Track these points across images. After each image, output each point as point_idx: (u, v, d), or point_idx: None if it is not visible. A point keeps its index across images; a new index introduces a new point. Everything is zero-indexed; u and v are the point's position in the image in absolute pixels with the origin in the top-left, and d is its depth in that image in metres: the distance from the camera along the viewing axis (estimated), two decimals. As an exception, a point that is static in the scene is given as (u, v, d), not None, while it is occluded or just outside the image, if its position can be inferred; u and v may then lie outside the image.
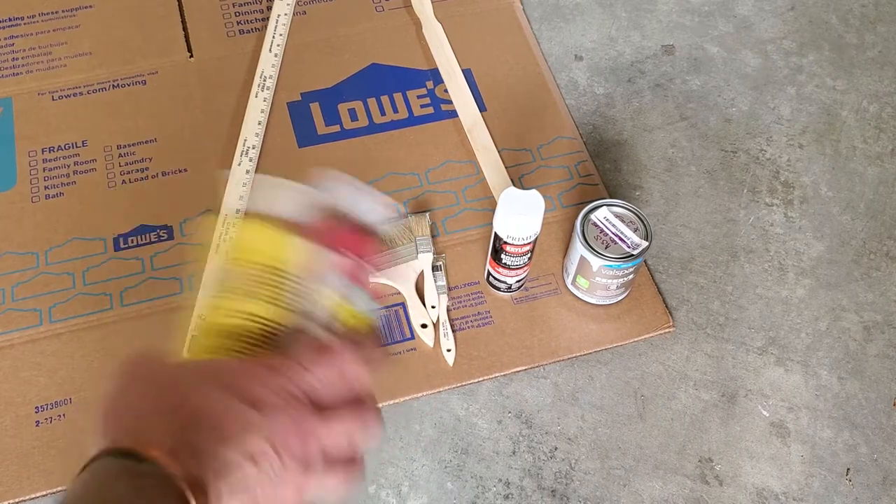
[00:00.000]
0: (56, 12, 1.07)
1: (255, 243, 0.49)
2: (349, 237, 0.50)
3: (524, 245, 0.80)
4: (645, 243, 0.80)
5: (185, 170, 0.94)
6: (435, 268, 0.87)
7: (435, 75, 1.02)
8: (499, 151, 0.96)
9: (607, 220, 0.81)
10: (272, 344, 0.48)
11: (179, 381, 0.43)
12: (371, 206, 0.51)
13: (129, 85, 1.01)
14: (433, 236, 0.89)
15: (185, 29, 1.06)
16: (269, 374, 0.44)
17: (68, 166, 0.94)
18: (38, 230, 0.89)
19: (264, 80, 1.00)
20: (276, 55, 1.02)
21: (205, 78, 1.02)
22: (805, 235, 0.93)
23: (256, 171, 0.93)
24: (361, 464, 0.47)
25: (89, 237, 0.89)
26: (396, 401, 0.81)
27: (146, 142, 0.96)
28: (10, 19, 1.06)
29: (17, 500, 0.74)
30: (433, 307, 0.85)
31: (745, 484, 0.78)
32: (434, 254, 0.88)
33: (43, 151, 0.95)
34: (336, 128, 0.98)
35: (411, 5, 1.08)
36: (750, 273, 0.90)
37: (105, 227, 0.89)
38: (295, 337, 0.48)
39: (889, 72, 1.07)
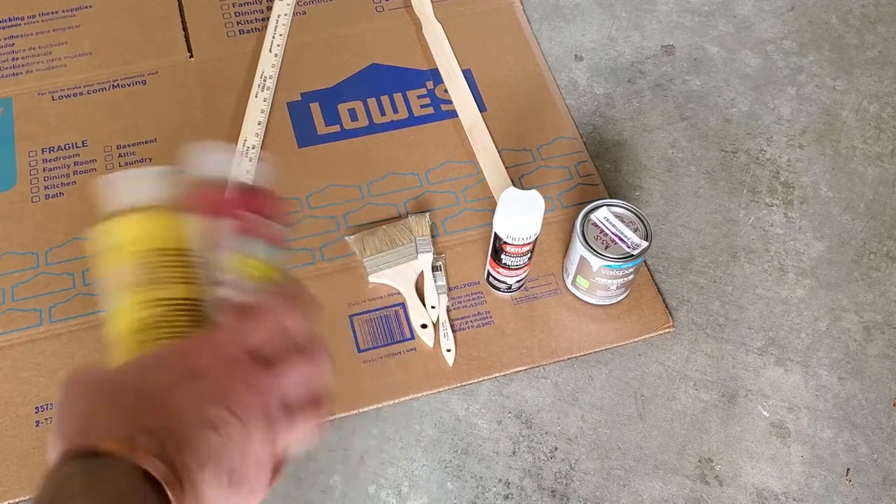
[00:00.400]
0: (56, 12, 1.07)
1: (139, 234, 0.48)
2: (226, 197, 0.49)
3: (524, 245, 0.80)
4: (645, 243, 0.80)
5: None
6: (435, 268, 0.87)
7: (435, 75, 1.02)
8: (499, 151, 0.96)
9: (607, 220, 0.81)
10: (195, 321, 0.48)
11: (116, 377, 0.42)
12: (223, 158, 0.51)
13: (129, 85, 1.01)
14: (433, 236, 0.89)
15: (185, 29, 1.06)
16: (204, 346, 0.44)
17: (68, 166, 0.94)
18: (38, 230, 0.89)
19: (264, 80, 1.00)
20: (276, 55, 1.02)
21: (205, 78, 1.02)
22: (805, 235, 0.93)
23: (256, 172, 0.93)
24: (326, 403, 0.46)
25: (89, 237, 0.88)
26: (396, 401, 0.81)
27: (146, 142, 0.96)
28: (10, 19, 1.06)
29: (17, 500, 0.74)
30: (433, 307, 0.85)
31: (745, 484, 0.78)
32: (434, 254, 0.88)
33: (43, 151, 0.95)
34: (336, 128, 0.98)
35: (411, 5, 1.08)
36: (750, 273, 0.90)
37: (105, 228, 0.89)
38: (216, 306, 0.48)
39: (889, 72, 1.07)
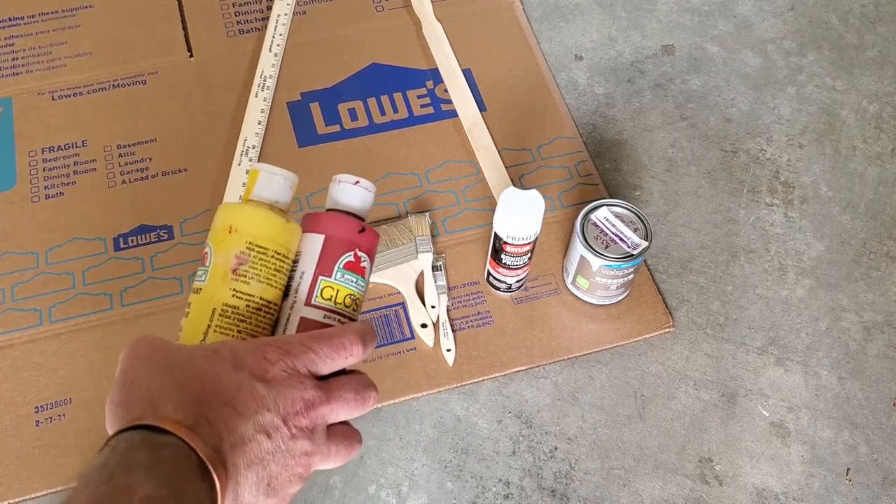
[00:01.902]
0: (56, 12, 1.07)
1: (266, 230, 0.50)
2: (358, 236, 0.52)
3: (524, 245, 0.80)
4: (645, 243, 0.80)
5: (185, 170, 0.94)
6: (435, 268, 0.87)
7: (435, 75, 1.02)
8: (499, 151, 0.96)
9: (607, 220, 0.81)
10: (269, 328, 0.51)
11: (189, 359, 0.44)
12: (357, 193, 0.53)
13: (129, 85, 1.01)
14: (433, 236, 0.89)
15: (185, 29, 1.06)
16: (276, 353, 0.46)
17: (68, 166, 0.94)
18: (38, 230, 0.89)
19: (264, 80, 1.00)
20: (276, 55, 1.02)
21: (205, 78, 1.02)
22: (805, 235, 0.93)
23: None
24: (359, 438, 0.49)
25: (89, 237, 0.89)
26: (396, 401, 0.81)
27: (146, 142, 0.96)
28: (10, 19, 1.06)
29: (17, 499, 0.75)
30: (433, 307, 0.85)
31: (745, 484, 0.78)
32: (434, 254, 0.88)
33: (43, 151, 0.95)
34: (336, 128, 0.98)
35: (411, 5, 1.08)
36: (750, 273, 0.90)
37: (105, 227, 0.89)
38: (293, 323, 0.50)
39: (889, 72, 1.07)
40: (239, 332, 0.49)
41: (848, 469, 0.79)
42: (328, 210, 0.53)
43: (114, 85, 1.01)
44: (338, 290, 0.51)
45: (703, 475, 0.78)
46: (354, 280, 0.52)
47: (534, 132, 0.98)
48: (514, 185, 0.93)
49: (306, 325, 0.50)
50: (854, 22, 1.12)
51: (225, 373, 0.44)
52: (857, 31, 1.11)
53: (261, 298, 0.50)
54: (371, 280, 0.86)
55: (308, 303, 0.51)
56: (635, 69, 1.06)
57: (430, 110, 1.00)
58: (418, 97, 1.01)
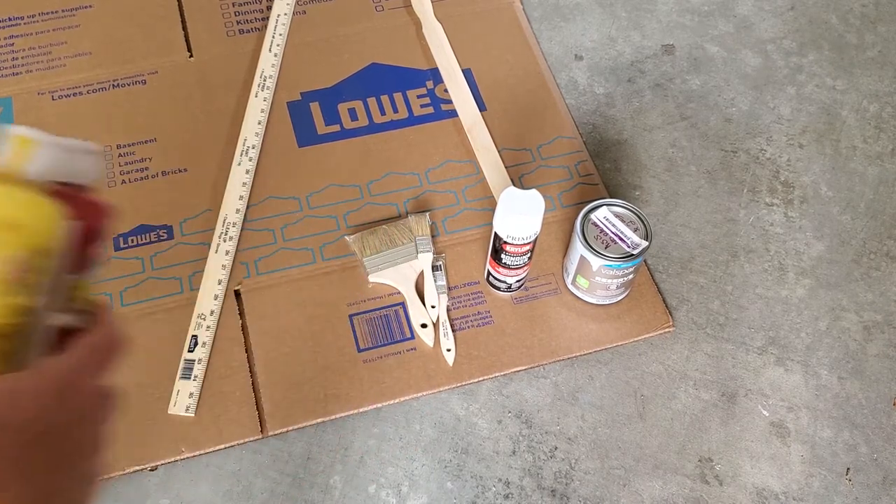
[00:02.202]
0: (56, 12, 1.07)
1: (47, 225, 0.38)
2: (86, 204, 0.41)
3: (524, 245, 0.80)
4: (645, 243, 0.80)
5: (185, 170, 0.94)
6: (435, 267, 0.87)
7: (435, 75, 1.02)
8: (499, 151, 0.96)
9: (607, 219, 0.81)
10: (31, 335, 0.39)
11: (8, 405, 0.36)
12: (96, 163, 0.42)
13: (129, 85, 1.01)
14: (433, 236, 0.89)
15: (185, 29, 1.06)
16: (88, 372, 0.40)
17: (68, 166, 0.93)
18: (38, 230, 0.89)
19: (264, 80, 1.00)
20: (276, 55, 1.02)
21: (205, 78, 1.02)
22: (805, 235, 0.93)
23: (256, 171, 0.93)
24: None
25: None
26: (396, 401, 0.81)
27: (146, 142, 0.96)
28: (10, 19, 1.06)
29: (17, 499, 0.74)
30: (433, 307, 0.85)
31: (745, 484, 0.78)
32: (434, 253, 0.88)
33: (43, 151, 0.94)
34: (336, 127, 0.98)
35: (411, 5, 1.08)
36: (750, 273, 0.90)
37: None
38: (48, 332, 0.40)
39: (889, 72, 1.07)
40: (12, 353, 0.37)
41: (848, 469, 0.79)
42: (60, 184, 0.40)
43: (114, 85, 1.01)
44: (89, 286, 0.42)
45: (703, 475, 0.78)
46: (98, 270, 0.43)
47: (534, 132, 0.98)
48: (514, 184, 0.93)
49: (69, 332, 0.40)
50: (854, 22, 1.12)
51: (57, 413, 0.37)
52: (857, 31, 1.11)
53: (33, 308, 0.38)
54: (371, 280, 0.86)
55: (66, 307, 0.40)
56: (635, 69, 1.06)
57: (430, 110, 1.00)
58: (418, 97, 1.01)
